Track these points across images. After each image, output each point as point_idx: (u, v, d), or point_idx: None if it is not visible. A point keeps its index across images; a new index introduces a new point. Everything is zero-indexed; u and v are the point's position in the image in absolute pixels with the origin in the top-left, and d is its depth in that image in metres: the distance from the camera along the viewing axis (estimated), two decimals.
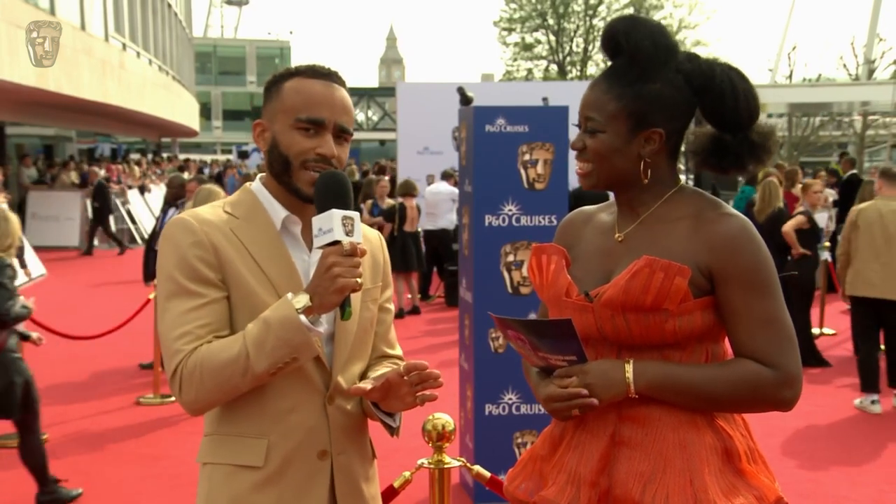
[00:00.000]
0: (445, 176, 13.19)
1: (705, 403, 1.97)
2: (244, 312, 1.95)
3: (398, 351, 2.28)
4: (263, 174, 2.12)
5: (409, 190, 11.79)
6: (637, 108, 1.99)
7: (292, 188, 2.01)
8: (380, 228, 11.59)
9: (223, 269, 1.96)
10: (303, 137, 2.00)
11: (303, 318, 1.86)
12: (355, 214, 1.91)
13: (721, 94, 2.00)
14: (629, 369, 1.94)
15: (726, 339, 2.07)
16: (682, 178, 2.15)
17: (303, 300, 1.87)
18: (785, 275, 8.20)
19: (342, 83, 2.07)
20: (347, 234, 1.87)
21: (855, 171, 15.14)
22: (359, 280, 1.87)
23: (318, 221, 1.89)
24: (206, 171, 30.54)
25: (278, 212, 2.04)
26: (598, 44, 46.92)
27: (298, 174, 2.00)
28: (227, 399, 1.94)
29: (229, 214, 2.03)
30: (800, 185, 13.33)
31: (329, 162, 1.99)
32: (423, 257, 12.05)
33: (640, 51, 1.99)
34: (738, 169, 2.05)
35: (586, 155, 2.05)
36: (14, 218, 5.53)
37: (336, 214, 1.87)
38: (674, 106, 2.00)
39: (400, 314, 11.46)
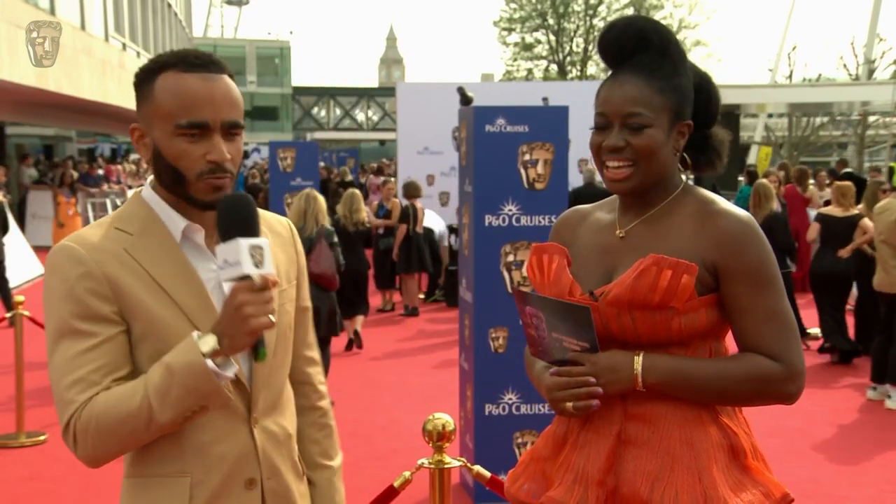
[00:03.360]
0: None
1: (713, 397, 1.97)
2: (150, 343, 1.75)
3: (316, 354, 2.12)
4: (152, 178, 1.87)
5: (414, 192, 11.88)
6: (676, 101, 2.00)
7: (189, 199, 1.79)
8: (390, 229, 11.67)
9: (120, 301, 1.74)
10: (189, 144, 1.76)
11: (209, 363, 1.66)
12: (264, 241, 1.71)
13: (709, 91, 2.08)
14: (638, 362, 1.94)
15: (727, 337, 2.07)
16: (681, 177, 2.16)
17: (209, 343, 1.67)
18: (784, 272, 8.25)
19: (222, 69, 1.81)
20: (257, 266, 1.67)
21: (849, 169, 15.21)
22: (272, 317, 1.69)
23: (222, 252, 1.68)
24: None
25: (177, 222, 1.81)
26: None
27: (195, 186, 1.78)
28: (132, 449, 1.77)
29: (120, 231, 1.79)
30: (811, 187, 13.35)
31: (223, 167, 1.77)
32: (429, 257, 12.12)
33: (670, 45, 2.01)
34: (713, 167, 2.13)
35: (628, 154, 1.98)
36: (321, 199, 7.42)
37: (243, 245, 1.67)
38: (692, 100, 2.05)
39: (414, 312, 11.56)
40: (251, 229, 1.71)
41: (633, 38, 2.02)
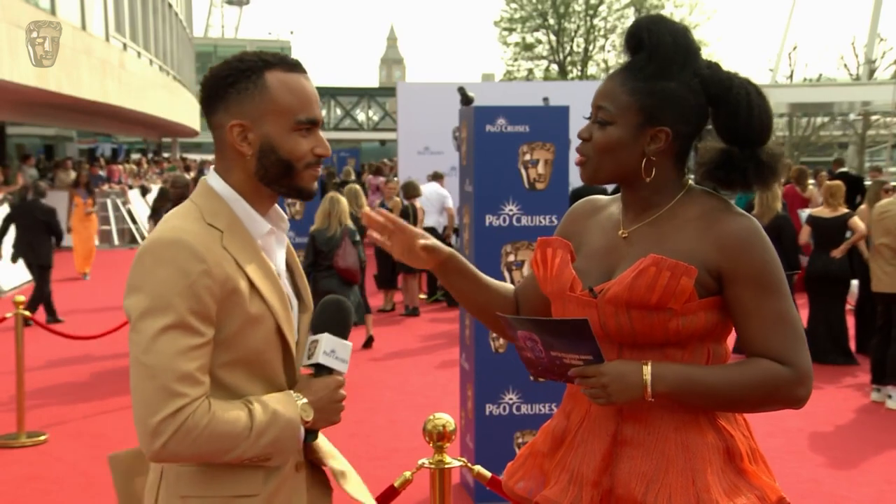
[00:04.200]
0: (436, 177, 13.32)
1: (722, 404, 1.96)
2: (231, 347, 1.83)
3: None
4: (214, 167, 1.96)
5: (413, 191, 11.93)
6: (648, 104, 1.98)
7: (294, 188, 1.92)
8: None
9: (223, 300, 1.80)
10: (302, 139, 1.90)
11: (302, 431, 1.86)
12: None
13: (736, 106, 1.98)
14: (647, 372, 1.91)
15: (727, 339, 2.07)
16: None
17: (310, 414, 1.87)
18: (788, 274, 8.23)
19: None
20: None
21: (844, 169, 15.21)
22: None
23: (333, 343, 1.93)
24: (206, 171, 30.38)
25: (259, 224, 1.92)
26: (598, 43, 47.04)
27: (301, 176, 1.91)
28: (196, 462, 1.84)
29: (212, 227, 1.86)
30: (811, 187, 13.32)
31: (321, 159, 1.95)
32: None
33: (660, 47, 1.98)
34: (743, 186, 2.02)
35: (589, 146, 2.04)
36: (344, 200, 8.28)
37: (350, 349, 1.96)
38: (686, 108, 1.99)
39: (415, 312, 11.58)
40: (348, 335, 1.96)
41: (631, 37, 2.04)
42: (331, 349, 1.92)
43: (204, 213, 1.87)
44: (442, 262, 2.24)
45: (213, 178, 1.93)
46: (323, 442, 2.03)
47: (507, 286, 2.36)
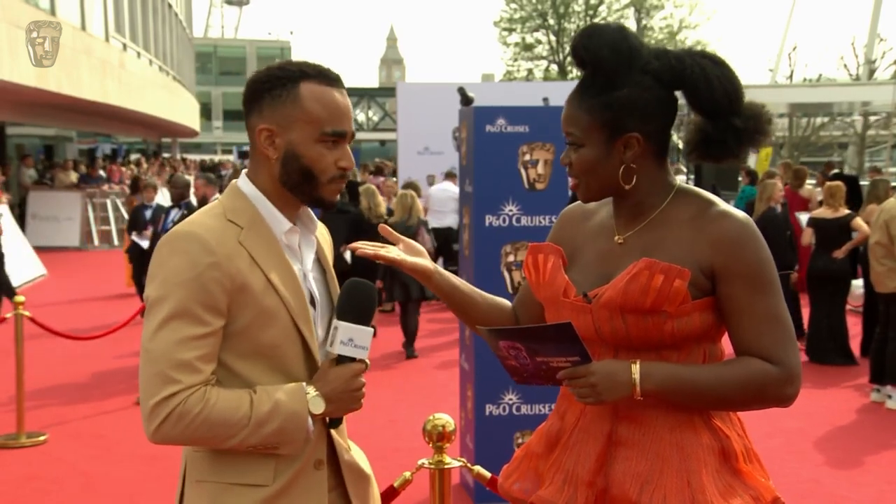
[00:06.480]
0: (449, 175, 13.30)
1: (711, 403, 1.97)
2: (247, 337, 1.90)
3: None
4: (246, 171, 2.03)
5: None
6: (608, 117, 1.99)
7: (315, 198, 1.97)
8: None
9: (235, 294, 1.87)
10: (326, 150, 1.94)
11: (310, 421, 1.89)
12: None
13: (694, 84, 1.99)
14: (636, 371, 1.92)
15: (723, 340, 2.07)
16: (682, 177, 2.13)
17: (320, 406, 1.90)
18: (783, 273, 8.23)
19: (344, 85, 2.03)
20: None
21: (837, 170, 15.24)
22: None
23: (350, 331, 1.93)
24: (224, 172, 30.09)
25: (281, 223, 1.98)
26: None
27: (325, 188, 1.96)
28: (198, 446, 1.92)
29: (232, 223, 1.93)
30: (808, 187, 13.33)
31: (346, 173, 1.99)
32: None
33: (599, 60, 1.99)
34: (728, 156, 2.03)
35: (573, 170, 2.07)
36: (418, 197, 9.48)
37: (370, 333, 1.94)
38: (645, 107, 1.99)
39: None
40: (371, 318, 1.96)
41: (574, 57, 2.07)
42: (348, 338, 1.92)
43: (226, 210, 1.95)
44: (428, 279, 2.23)
45: (241, 180, 2.01)
46: (342, 437, 2.05)
47: (503, 302, 2.34)
